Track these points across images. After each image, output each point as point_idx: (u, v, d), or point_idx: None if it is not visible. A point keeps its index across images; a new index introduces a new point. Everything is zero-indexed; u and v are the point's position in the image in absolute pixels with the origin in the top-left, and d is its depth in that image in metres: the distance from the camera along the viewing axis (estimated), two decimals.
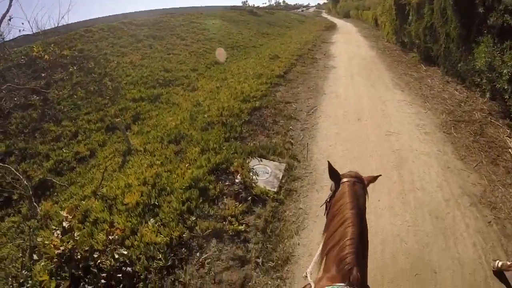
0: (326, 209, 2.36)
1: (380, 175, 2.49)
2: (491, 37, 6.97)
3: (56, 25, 14.77)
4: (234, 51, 17.20)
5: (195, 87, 12.02)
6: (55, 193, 6.81)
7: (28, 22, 20.14)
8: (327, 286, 1.72)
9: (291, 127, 6.87)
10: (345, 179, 2.23)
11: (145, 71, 13.55)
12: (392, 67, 11.56)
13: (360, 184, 2.23)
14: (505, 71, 6.31)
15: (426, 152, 5.73)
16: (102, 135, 9.22)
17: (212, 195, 4.73)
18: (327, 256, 1.92)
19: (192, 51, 16.52)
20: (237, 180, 5.00)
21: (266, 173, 5.18)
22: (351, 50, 14.73)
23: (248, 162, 5.44)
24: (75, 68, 13.17)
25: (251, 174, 5.12)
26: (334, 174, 2.30)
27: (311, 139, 6.35)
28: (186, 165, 5.52)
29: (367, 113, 7.45)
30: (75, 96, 11.42)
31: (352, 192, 2.12)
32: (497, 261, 3.69)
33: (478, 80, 7.77)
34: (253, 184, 4.91)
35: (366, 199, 2.25)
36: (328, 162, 2.29)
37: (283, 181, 5.05)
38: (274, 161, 5.52)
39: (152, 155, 6.32)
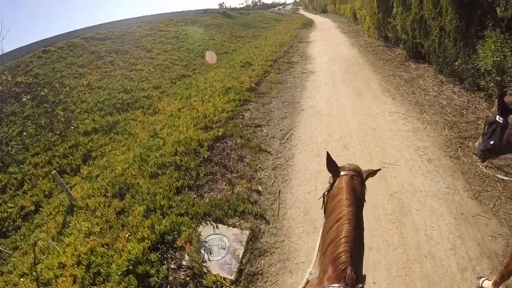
0: (323, 203, 2.26)
1: (380, 169, 2.37)
2: (500, 32, 5.78)
3: None
4: (204, 59, 15.79)
5: (156, 110, 10.67)
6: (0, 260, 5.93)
7: None
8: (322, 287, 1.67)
9: (259, 165, 5.49)
10: (343, 173, 2.18)
11: (102, 94, 12.24)
12: (378, 67, 10.31)
13: (359, 178, 2.17)
14: None
15: (432, 192, 4.45)
16: (49, 183, 8.13)
17: (154, 284, 3.52)
18: (324, 255, 1.86)
19: (157, 64, 15.13)
20: (184, 262, 3.68)
21: (222, 249, 3.82)
22: (330, 49, 13.47)
23: (200, 232, 4.08)
24: (28, 97, 11.81)
25: (202, 252, 3.78)
26: (332, 167, 2.24)
27: (285, 183, 4.98)
28: (127, 235, 4.30)
29: (355, 136, 6.12)
30: (25, 133, 10.25)
31: (350, 188, 2.08)
32: (482, 278, 3.24)
33: (483, 83, 6.56)
34: (204, 269, 3.58)
35: (365, 193, 2.19)
36: (327, 152, 2.20)
37: (244, 260, 3.70)
38: (234, 226, 4.15)
39: (93, 216, 5.17)
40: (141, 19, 23.75)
